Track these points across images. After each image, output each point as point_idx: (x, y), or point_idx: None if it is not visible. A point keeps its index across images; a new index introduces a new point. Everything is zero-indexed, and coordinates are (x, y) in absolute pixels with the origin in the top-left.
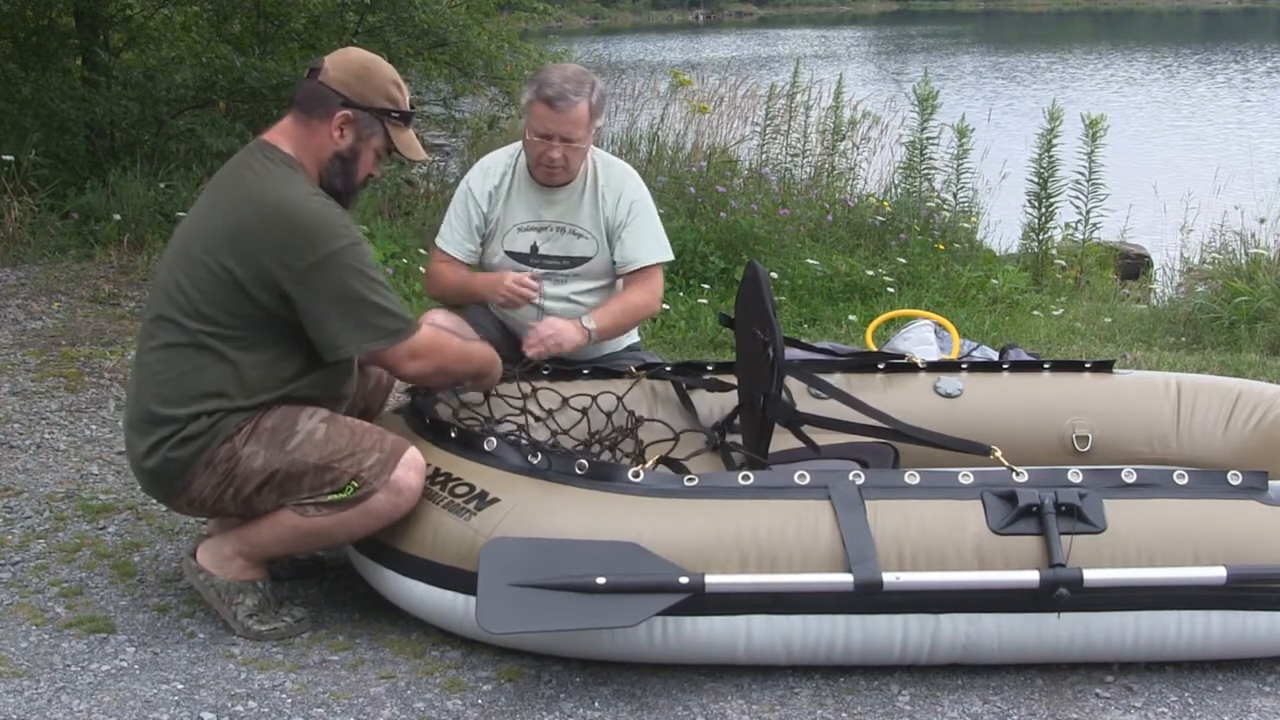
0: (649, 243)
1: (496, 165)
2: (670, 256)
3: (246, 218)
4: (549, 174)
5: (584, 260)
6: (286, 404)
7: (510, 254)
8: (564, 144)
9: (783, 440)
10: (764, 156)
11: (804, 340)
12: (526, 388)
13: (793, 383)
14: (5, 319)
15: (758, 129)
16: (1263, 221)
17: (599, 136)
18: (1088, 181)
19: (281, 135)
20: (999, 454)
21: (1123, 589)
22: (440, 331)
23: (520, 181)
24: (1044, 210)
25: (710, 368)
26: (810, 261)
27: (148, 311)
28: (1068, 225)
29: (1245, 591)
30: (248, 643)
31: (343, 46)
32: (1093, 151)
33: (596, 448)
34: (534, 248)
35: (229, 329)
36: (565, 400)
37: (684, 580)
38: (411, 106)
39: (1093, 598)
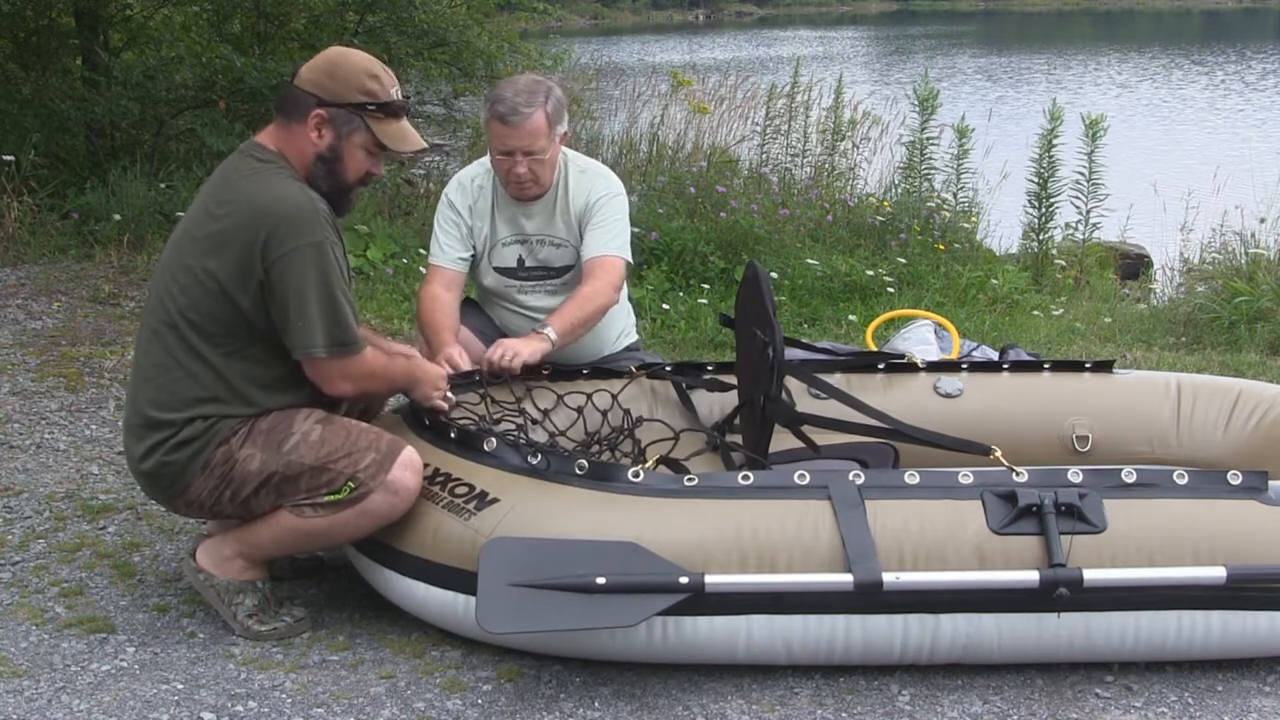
0: (604, 237)
1: (473, 180)
2: (625, 257)
3: (230, 219)
4: (519, 189)
5: (568, 269)
6: (281, 407)
7: (499, 270)
8: (527, 157)
9: (783, 440)
10: (764, 156)
11: (804, 340)
12: (521, 389)
13: (793, 383)
14: (5, 319)
15: (758, 129)
16: (1263, 221)
17: (574, 140)
18: (1088, 181)
19: (268, 138)
20: (999, 454)
21: (1123, 589)
22: (378, 356)
23: (499, 196)
24: (1044, 210)
25: (710, 368)
26: (810, 261)
27: (144, 316)
28: (1068, 225)
29: (1245, 591)
30: (248, 643)
31: (342, 46)
32: (1093, 151)
33: (596, 448)
34: (520, 261)
35: (216, 336)
36: (562, 399)
37: (684, 580)
38: (407, 98)
39: (1093, 598)
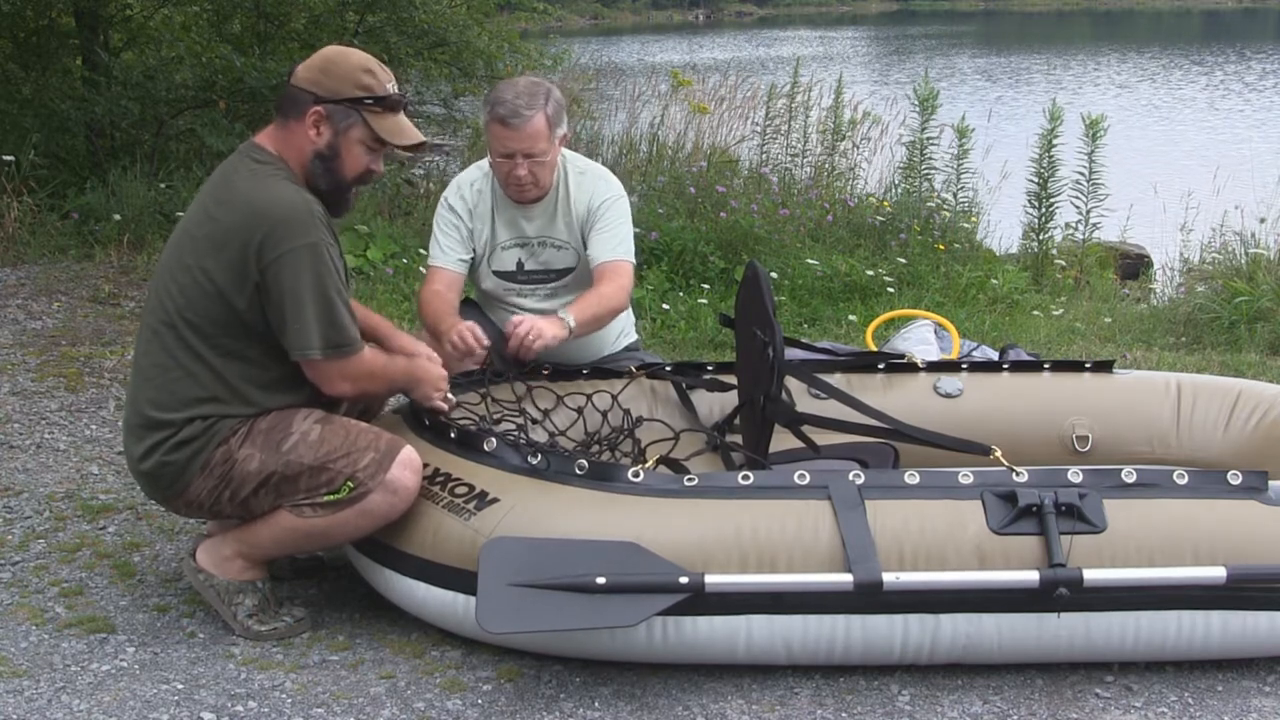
0: (611, 242)
1: (472, 184)
2: (630, 259)
3: (227, 220)
4: (519, 192)
5: (569, 271)
6: (281, 407)
7: (498, 273)
8: (527, 160)
9: (783, 440)
10: (764, 156)
11: (804, 340)
12: (521, 389)
13: (793, 383)
14: (5, 319)
15: (758, 129)
16: (1263, 221)
17: (574, 140)
18: (1088, 181)
19: (267, 139)
20: (999, 454)
21: (1123, 589)
22: (378, 356)
23: (499, 199)
24: (1044, 210)
25: (710, 368)
26: (810, 261)
27: (144, 316)
28: (1068, 225)
29: (1245, 591)
30: (248, 643)
31: (340, 45)
32: (1093, 151)
33: (596, 448)
34: (520, 264)
35: (214, 336)
36: (562, 399)
37: (684, 580)
38: (403, 95)
39: (1093, 597)
